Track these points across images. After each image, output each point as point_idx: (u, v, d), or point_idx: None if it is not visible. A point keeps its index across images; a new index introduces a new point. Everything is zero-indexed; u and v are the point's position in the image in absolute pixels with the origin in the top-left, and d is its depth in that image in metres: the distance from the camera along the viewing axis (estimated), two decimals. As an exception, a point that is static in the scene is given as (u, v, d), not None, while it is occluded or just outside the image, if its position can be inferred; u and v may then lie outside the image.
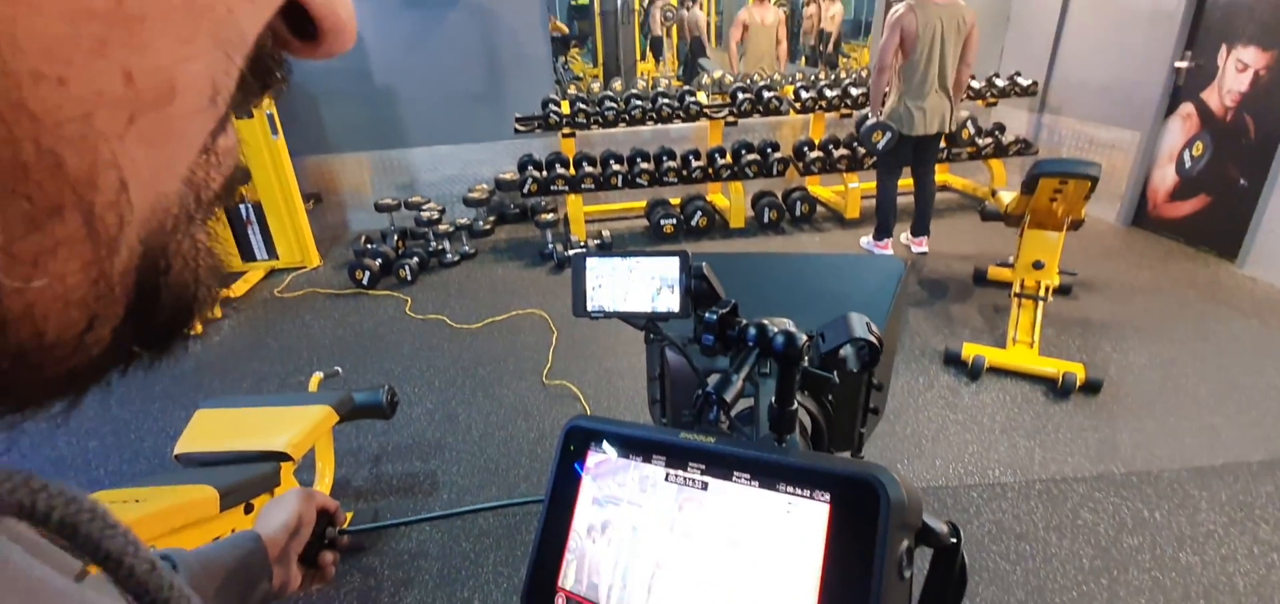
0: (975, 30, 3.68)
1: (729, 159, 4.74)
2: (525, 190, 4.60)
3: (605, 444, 0.43)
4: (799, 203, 4.93)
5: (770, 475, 0.35)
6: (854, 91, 4.83)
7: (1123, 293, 3.68)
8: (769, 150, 4.77)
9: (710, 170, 4.73)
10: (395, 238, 4.57)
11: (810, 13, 9.76)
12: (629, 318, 0.62)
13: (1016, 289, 3.06)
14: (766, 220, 4.83)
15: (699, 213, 4.81)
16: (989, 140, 4.95)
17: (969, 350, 2.98)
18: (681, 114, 4.79)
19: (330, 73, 4.98)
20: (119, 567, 0.19)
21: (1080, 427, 2.61)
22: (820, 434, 0.69)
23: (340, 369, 2.63)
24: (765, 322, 0.52)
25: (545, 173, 4.68)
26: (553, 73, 5.54)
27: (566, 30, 10.73)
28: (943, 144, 4.46)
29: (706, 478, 0.37)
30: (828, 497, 0.35)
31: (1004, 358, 2.94)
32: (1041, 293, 3.01)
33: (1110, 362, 3.02)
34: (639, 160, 4.68)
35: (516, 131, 4.71)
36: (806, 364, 0.54)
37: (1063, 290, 3.60)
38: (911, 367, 3.05)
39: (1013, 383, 2.89)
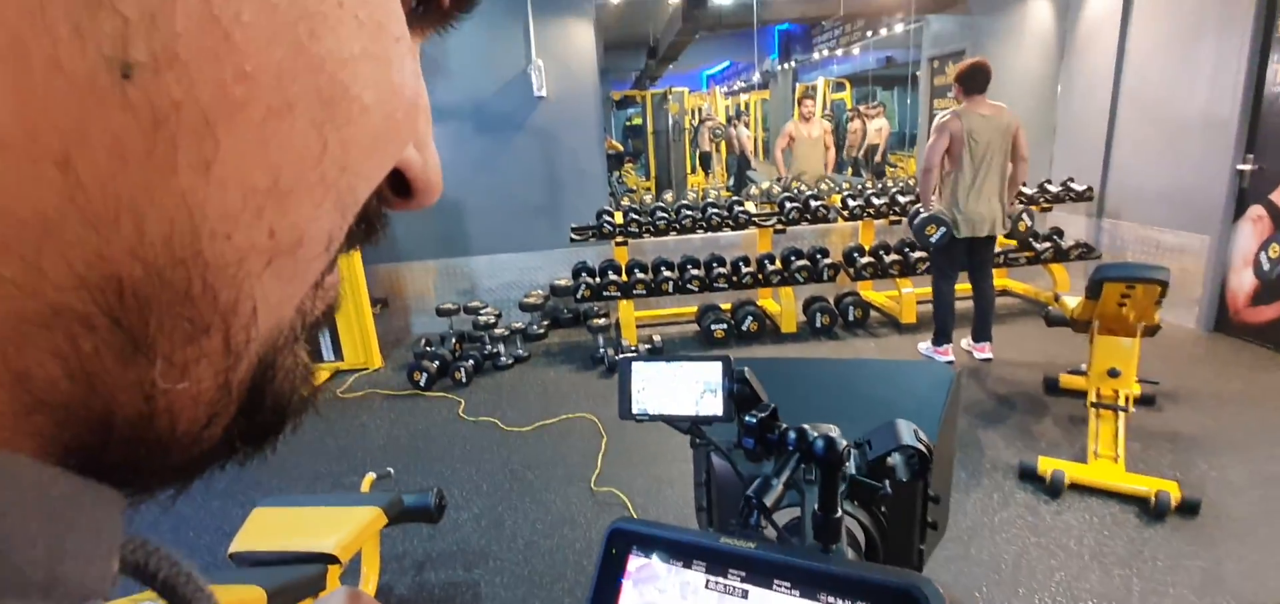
0: (1022, 132, 3.70)
1: (779, 265, 4.77)
2: (578, 296, 4.72)
3: (646, 548, 0.42)
4: (852, 307, 4.87)
5: (810, 584, 0.34)
6: (901, 199, 4.85)
7: (1212, 404, 3.41)
8: (819, 256, 4.78)
9: (760, 276, 4.76)
10: (453, 341, 4.72)
11: (854, 128, 10.02)
12: (673, 421, 0.62)
13: (1093, 399, 2.88)
14: (819, 325, 4.77)
15: (750, 318, 4.80)
16: (1048, 245, 4.83)
17: (1046, 465, 2.78)
18: (731, 223, 4.90)
19: (402, 188, 5.36)
20: None
21: (1179, 553, 2.36)
22: (874, 548, 0.65)
23: (392, 470, 2.66)
24: (806, 426, 0.51)
25: (598, 279, 4.81)
26: (608, 186, 5.81)
27: (620, 148, 11.32)
28: (997, 247, 4.38)
29: (746, 586, 0.36)
30: None
31: (1086, 474, 2.73)
32: (1121, 403, 2.82)
33: (1207, 480, 2.76)
34: (689, 267, 4.77)
35: (572, 240, 4.89)
36: (854, 472, 0.52)
37: (1145, 400, 3.37)
38: (983, 482, 2.86)
39: (1099, 502, 2.67)
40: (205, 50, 0.13)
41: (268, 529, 1.94)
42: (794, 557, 0.35)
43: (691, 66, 12.62)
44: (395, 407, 4.02)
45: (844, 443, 0.49)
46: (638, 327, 4.95)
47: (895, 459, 0.53)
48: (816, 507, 0.50)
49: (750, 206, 5.07)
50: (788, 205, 4.93)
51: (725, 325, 4.76)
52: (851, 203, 4.94)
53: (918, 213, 3.95)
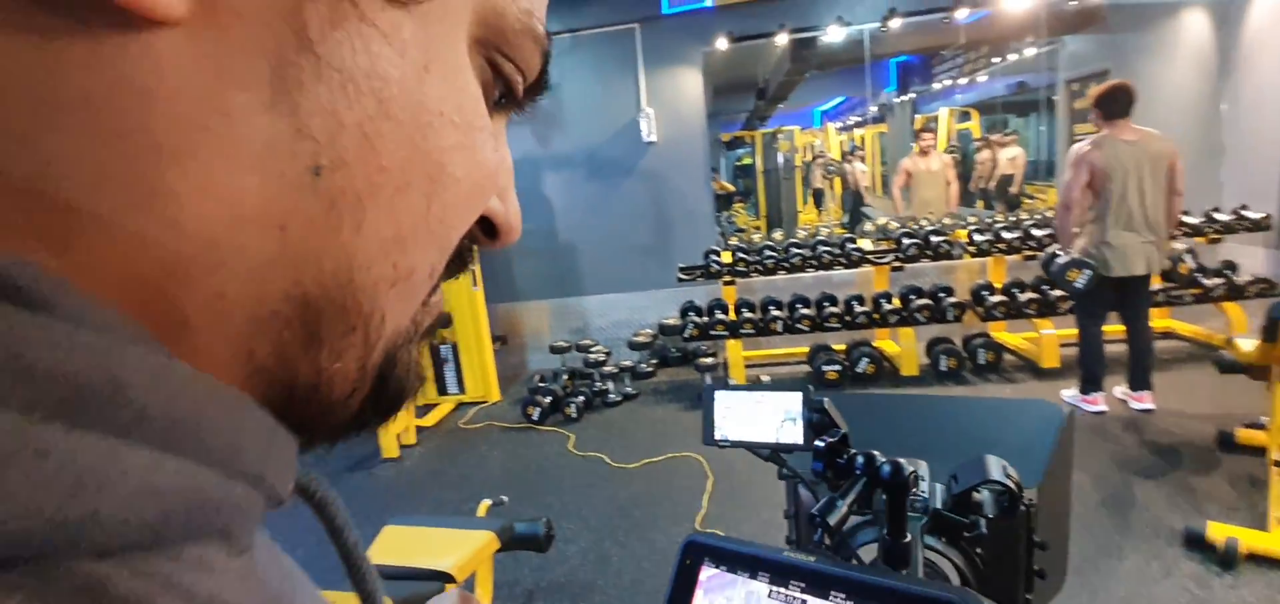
0: (1178, 164, 3.32)
1: (897, 304, 4.55)
2: (686, 335, 4.76)
3: (716, 560, 0.44)
4: (982, 350, 4.51)
5: (864, 596, 0.34)
6: (1037, 233, 4.48)
7: None
8: (941, 295, 4.51)
9: (876, 316, 4.56)
10: (564, 377, 4.91)
11: (983, 158, 9.40)
12: (753, 447, 0.63)
13: (1275, 456, 2.48)
14: (943, 368, 4.47)
15: (866, 359, 4.59)
16: (1219, 281, 4.25)
17: (1218, 532, 2.42)
18: (843, 260, 4.75)
19: (525, 233, 5.66)
20: (344, 539, 0.31)
21: (1403, 649, 1.95)
22: (969, 588, 0.62)
23: (505, 499, 2.80)
24: (875, 453, 0.50)
25: (706, 318, 4.82)
26: (716, 226, 5.86)
27: (732, 189, 11.35)
28: (1156, 285, 3.91)
29: (805, 596, 0.37)
30: None
31: (1267, 543, 2.34)
32: (1315, 464, 2.41)
33: None
34: (799, 306, 4.66)
35: (679, 280, 4.96)
36: (939, 507, 0.51)
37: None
38: (1140, 548, 2.53)
39: (1285, 578, 2.28)
40: (360, 157, 0.20)
41: (395, 546, 2.11)
42: (849, 570, 0.35)
43: (803, 104, 12.49)
44: (511, 438, 4.23)
45: (911, 469, 0.48)
46: (747, 366, 4.89)
47: (983, 495, 0.51)
48: (885, 531, 0.49)
49: (864, 243, 4.89)
50: (905, 241, 4.71)
51: (839, 366, 4.58)
52: (979, 238, 4.63)
53: (1054, 254, 3.63)
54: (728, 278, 4.89)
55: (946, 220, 5.37)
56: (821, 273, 4.90)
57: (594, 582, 2.67)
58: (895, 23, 5.12)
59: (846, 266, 4.77)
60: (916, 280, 4.84)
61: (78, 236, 0.16)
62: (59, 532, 0.14)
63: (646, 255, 5.61)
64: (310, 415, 0.23)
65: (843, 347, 4.88)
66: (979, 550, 0.65)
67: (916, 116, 10.10)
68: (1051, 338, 4.36)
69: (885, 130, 11.60)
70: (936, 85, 9.99)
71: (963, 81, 9.25)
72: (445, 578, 2.01)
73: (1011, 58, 7.72)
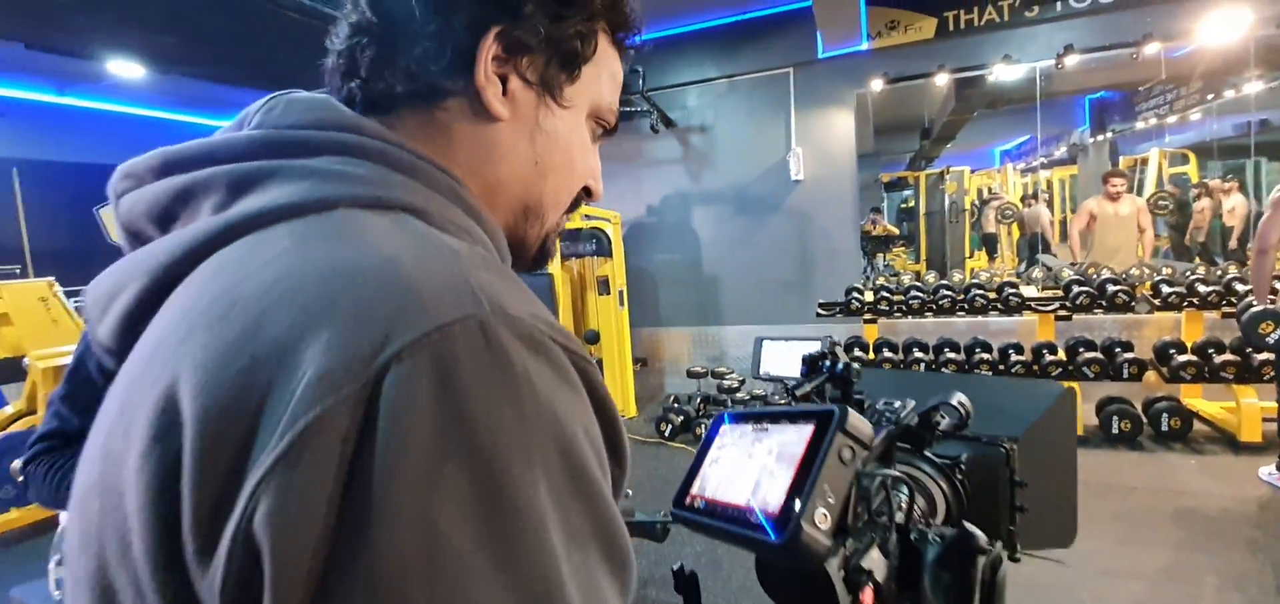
0: None
1: (1061, 355, 4.20)
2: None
3: (732, 419, 0.66)
4: (1166, 415, 4.00)
5: (793, 419, 0.56)
6: (1239, 287, 3.91)
7: None
8: (1117, 350, 4.09)
9: (1035, 367, 4.25)
10: (698, 401, 5.12)
11: (1201, 208, 8.17)
12: (779, 379, 0.82)
13: None
14: (1116, 430, 4.02)
15: (1019, 413, 4.27)
16: None
17: None
18: (999, 305, 4.48)
19: (672, 263, 6.08)
20: None
21: None
22: (950, 513, 0.76)
23: (630, 492, 3.07)
24: (840, 354, 0.69)
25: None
26: (861, 264, 5.78)
27: (896, 231, 10.89)
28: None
29: (767, 425, 0.60)
30: (813, 423, 0.55)
31: None
32: None
33: None
34: (946, 349, 4.47)
35: (818, 315, 4.99)
36: (909, 425, 0.68)
37: None
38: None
39: None
40: (548, 159, 0.54)
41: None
42: (778, 408, 0.57)
43: (980, 143, 11.67)
44: (642, 451, 4.52)
45: (856, 367, 0.67)
46: (884, 408, 4.76)
47: (942, 415, 0.68)
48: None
49: (1027, 289, 4.57)
50: (1075, 289, 4.33)
51: (987, 417, 4.31)
52: (1167, 289, 4.13)
53: (1249, 305, 3.20)
54: (868, 316, 4.83)
55: (1133, 271, 4.83)
56: (977, 319, 4.65)
57: (705, 582, 2.82)
58: (1072, 59, 4.78)
59: (1003, 313, 4.49)
60: (1092, 333, 4.42)
61: (474, 181, 0.50)
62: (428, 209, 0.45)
63: (787, 290, 5.68)
64: (522, 250, 0.56)
65: (996, 398, 4.57)
66: (963, 480, 0.79)
67: (1121, 158, 9.05)
68: (1253, 408, 3.76)
69: (1076, 173, 10.49)
70: (1140, 124, 8.89)
71: (1171, 120, 8.17)
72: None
73: (1241, 92, 6.69)
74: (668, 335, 6.12)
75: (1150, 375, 4.03)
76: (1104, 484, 3.48)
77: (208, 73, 4.30)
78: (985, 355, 4.36)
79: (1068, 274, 4.72)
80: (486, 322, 0.32)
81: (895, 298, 4.70)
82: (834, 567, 0.60)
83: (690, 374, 5.39)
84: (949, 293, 4.59)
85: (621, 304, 5.21)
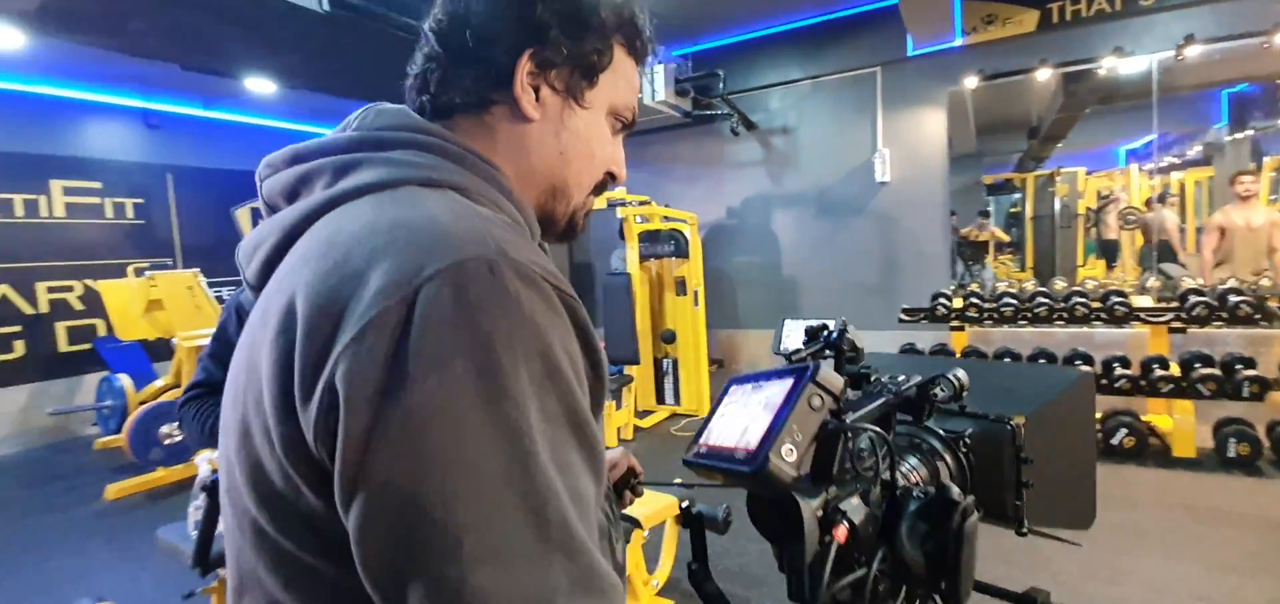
0: None
1: (1174, 371, 3.88)
2: (901, 377, 4.62)
3: (737, 382, 0.75)
4: (1298, 442, 3.60)
5: (780, 376, 0.64)
6: (1396, 299, 3.45)
7: None
8: (1238, 367, 3.72)
9: (1143, 383, 3.94)
10: (774, 403, 5.10)
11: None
12: (787, 355, 0.89)
13: None
14: (1232, 453, 3.66)
15: (1124, 430, 3.97)
16: None
17: None
18: (1103, 314, 4.17)
19: (750, 265, 6.10)
20: None
21: None
22: (961, 486, 0.80)
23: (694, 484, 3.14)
24: (847, 327, 0.76)
25: (926, 363, 4.63)
26: (954, 270, 5.54)
27: (1006, 237, 10.27)
28: None
29: (762, 383, 0.68)
30: (793, 377, 0.63)
31: None
32: None
33: None
34: (1040, 360, 4.23)
35: (901, 321, 4.84)
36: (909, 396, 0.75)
37: None
38: None
39: None
40: (572, 149, 0.66)
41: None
42: (769, 372, 0.65)
43: (1100, 142, 10.78)
44: (716, 449, 4.57)
45: (850, 333, 0.73)
46: (970, 419, 4.56)
47: (939, 387, 0.74)
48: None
49: (1140, 299, 4.23)
50: (1191, 299, 3.97)
51: (1084, 434, 4.04)
52: (1302, 302, 3.72)
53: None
54: (956, 323, 4.63)
55: (1264, 281, 4.36)
56: (1080, 330, 4.36)
57: (766, 578, 2.86)
58: (1194, 50, 4.39)
59: (1108, 323, 4.18)
60: (1209, 348, 4.04)
61: (512, 167, 0.64)
62: (468, 187, 0.59)
63: (870, 295, 5.54)
64: (552, 223, 0.68)
65: (1098, 414, 4.27)
66: (967, 453, 0.83)
67: (1265, 158, 8.10)
68: (1407, 436, 3.31)
69: (1211, 174, 9.48)
70: (1290, 119, 7.93)
71: (1329, 114, 7.23)
72: (634, 523, 2.43)
73: None
74: (745, 337, 6.12)
75: (1275, 395, 3.64)
76: (1212, 508, 3.19)
77: (327, 86, 4.81)
78: (1085, 367, 4.08)
79: (1187, 283, 4.33)
80: (494, 260, 0.46)
81: (986, 305, 4.49)
82: (811, 507, 0.68)
83: (766, 376, 5.38)
84: (1046, 301, 4.33)
85: (696, 304, 5.28)
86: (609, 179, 0.72)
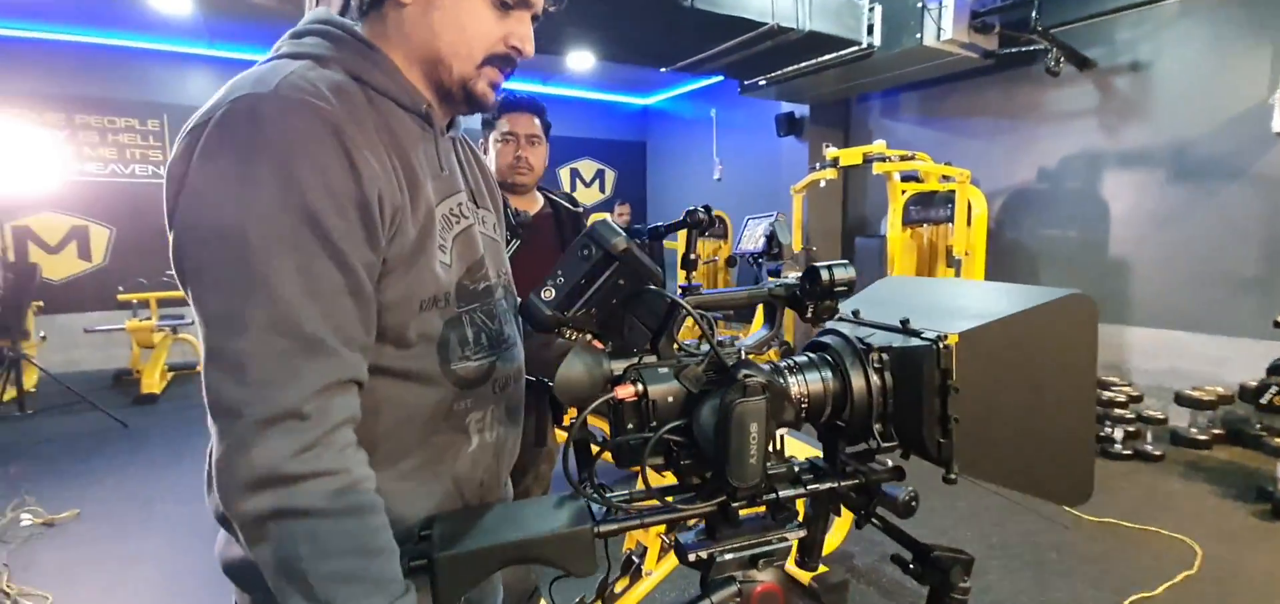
0: None
1: None
2: (1265, 401, 3.32)
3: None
4: None
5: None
6: None
7: None
8: None
9: None
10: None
11: None
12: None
13: None
14: None
15: None
16: None
17: None
18: None
19: (1062, 240, 5.00)
20: None
21: None
22: (883, 407, 0.70)
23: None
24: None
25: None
26: None
27: None
28: None
29: None
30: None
31: None
32: None
33: None
34: None
35: (1277, 325, 3.45)
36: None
37: None
38: None
39: None
40: (439, 23, 0.74)
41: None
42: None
43: None
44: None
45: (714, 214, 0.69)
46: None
47: (836, 271, 0.70)
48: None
49: None
50: None
51: None
52: None
53: None
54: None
55: None
56: None
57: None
58: None
59: None
60: None
61: (400, 48, 0.76)
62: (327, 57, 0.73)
63: (1240, 290, 4.03)
64: (448, 93, 0.78)
65: None
66: (886, 372, 0.70)
67: None
68: None
69: None
70: None
71: None
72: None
73: None
74: (1043, 327, 5.06)
75: None
76: None
77: (631, 58, 5.48)
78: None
79: None
80: (260, 97, 0.62)
81: None
82: (586, 359, 0.67)
83: (1061, 376, 4.39)
84: None
85: (958, 276, 4.55)
86: (513, 53, 0.78)
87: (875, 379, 0.71)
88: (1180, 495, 3.23)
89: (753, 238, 4.77)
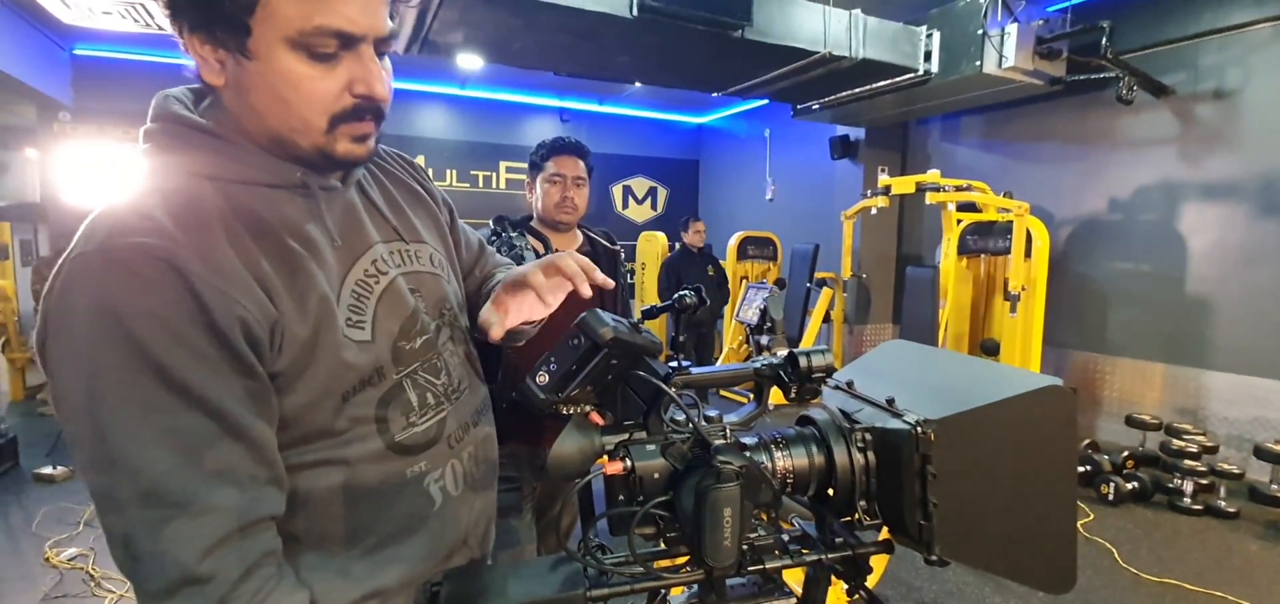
0: None
1: None
2: (1359, 462, 3.05)
3: None
4: None
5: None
6: None
7: None
8: None
9: None
10: (1124, 454, 3.91)
11: None
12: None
13: None
14: None
15: None
16: None
17: None
18: None
19: (1134, 276, 4.74)
20: None
21: None
22: (869, 484, 0.72)
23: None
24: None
25: None
26: None
27: None
28: None
29: None
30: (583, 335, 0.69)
31: None
32: None
33: None
34: None
35: (1377, 379, 3.18)
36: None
37: None
38: None
39: None
40: (259, 100, 0.65)
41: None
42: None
43: None
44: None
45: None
46: None
47: (815, 359, 0.74)
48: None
49: None
50: None
51: None
52: None
53: None
54: None
55: None
56: None
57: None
58: None
59: None
60: None
61: (241, 125, 0.67)
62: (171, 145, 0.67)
63: (1336, 336, 3.72)
64: (307, 162, 0.68)
65: None
66: (868, 452, 0.72)
67: None
68: None
69: None
70: None
71: None
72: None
73: None
74: (1113, 367, 4.79)
75: None
76: None
77: (683, 83, 5.54)
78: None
79: None
80: (87, 256, 0.58)
81: None
82: (579, 437, 0.71)
83: (1130, 421, 4.15)
84: None
85: (1012, 312, 4.36)
86: (362, 103, 0.67)
87: (859, 458, 0.72)
88: (1256, 559, 3.00)
89: (750, 308, 4.82)
